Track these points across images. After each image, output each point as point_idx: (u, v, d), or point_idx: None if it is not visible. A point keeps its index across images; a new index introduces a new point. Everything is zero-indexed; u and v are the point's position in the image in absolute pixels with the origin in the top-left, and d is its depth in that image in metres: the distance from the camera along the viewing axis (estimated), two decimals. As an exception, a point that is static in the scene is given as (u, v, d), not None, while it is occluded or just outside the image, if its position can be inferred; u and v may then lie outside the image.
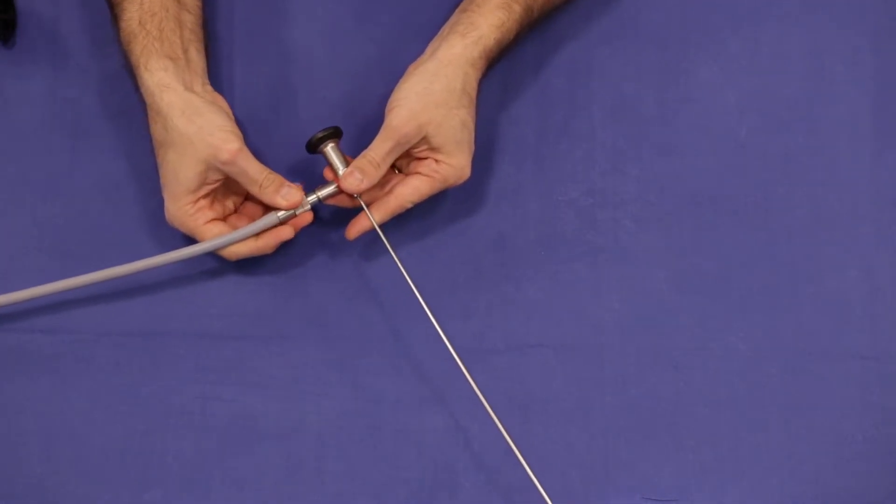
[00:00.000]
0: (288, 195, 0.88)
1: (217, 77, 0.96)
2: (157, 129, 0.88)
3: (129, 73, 0.90)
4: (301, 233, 0.91)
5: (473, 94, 0.90)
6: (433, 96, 0.87)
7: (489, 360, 0.92)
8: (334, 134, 0.90)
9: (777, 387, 0.93)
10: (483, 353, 0.92)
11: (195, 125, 0.86)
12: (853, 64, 0.99)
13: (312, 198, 0.90)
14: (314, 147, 0.90)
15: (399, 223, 0.93)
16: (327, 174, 0.91)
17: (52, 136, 0.95)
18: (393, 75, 0.89)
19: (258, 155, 0.89)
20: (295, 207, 0.88)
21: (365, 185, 0.88)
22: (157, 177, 0.92)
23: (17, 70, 0.96)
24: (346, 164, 0.89)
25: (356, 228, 0.91)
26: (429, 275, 0.93)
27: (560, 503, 0.89)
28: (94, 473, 0.89)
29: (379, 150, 0.88)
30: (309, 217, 0.90)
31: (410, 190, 0.89)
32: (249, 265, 0.93)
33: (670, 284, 0.94)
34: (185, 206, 0.87)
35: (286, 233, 0.89)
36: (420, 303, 0.87)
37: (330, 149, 0.90)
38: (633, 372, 0.93)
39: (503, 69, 0.97)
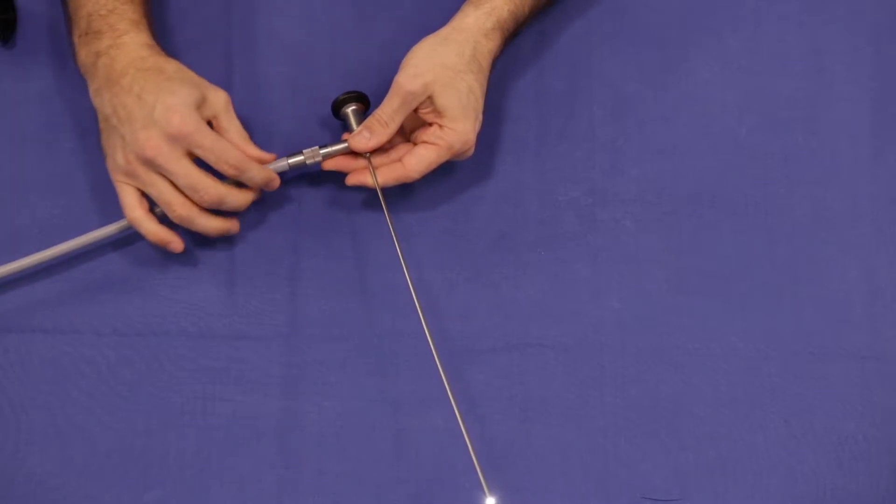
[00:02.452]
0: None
1: (217, 76, 0.95)
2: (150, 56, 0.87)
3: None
4: (301, 233, 0.91)
5: (485, 63, 0.90)
6: (441, 58, 0.88)
7: (489, 360, 0.92)
8: (359, 98, 0.92)
9: (777, 387, 0.93)
10: (483, 353, 0.92)
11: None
12: (853, 64, 0.99)
13: (325, 150, 0.91)
14: (338, 107, 0.92)
15: (399, 222, 0.93)
16: (345, 138, 0.92)
17: (52, 136, 0.95)
18: (393, 75, 0.89)
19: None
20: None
21: (373, 143, 0.89)
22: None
23: (17, 70, 0.96)
24: None
25: (358, 178, 0.91)
26: (429, 275, 0.93)
27: (560, 503, 0.90)
28: (94, 473, 0.89)
29: (386, 109, 0.89)
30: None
31: (417, 160, 0.90)
32: (249, 265, 0.93)
33: (670, 284, 0.94)
34: (193, 117, 0.86)
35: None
36: (415, 302, 0.87)
37: (351, 111, 0.92)
38: (633, 372, 0.93)
39: (503, 69, 0.97)
